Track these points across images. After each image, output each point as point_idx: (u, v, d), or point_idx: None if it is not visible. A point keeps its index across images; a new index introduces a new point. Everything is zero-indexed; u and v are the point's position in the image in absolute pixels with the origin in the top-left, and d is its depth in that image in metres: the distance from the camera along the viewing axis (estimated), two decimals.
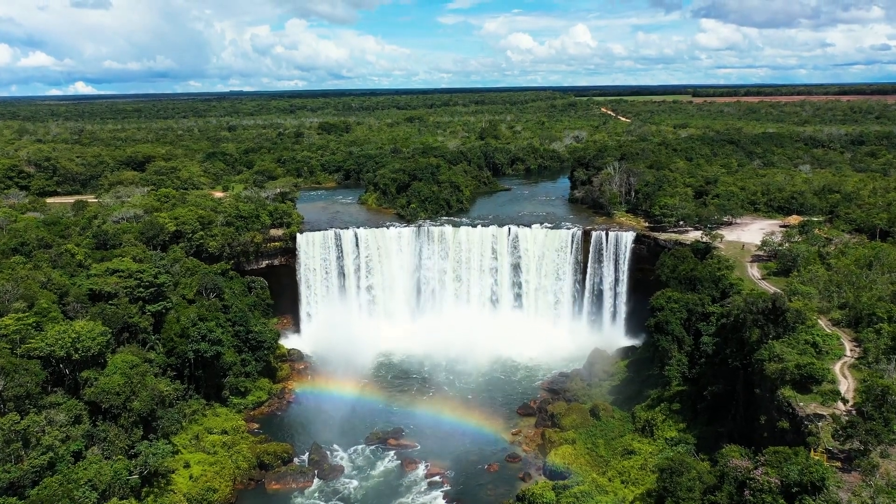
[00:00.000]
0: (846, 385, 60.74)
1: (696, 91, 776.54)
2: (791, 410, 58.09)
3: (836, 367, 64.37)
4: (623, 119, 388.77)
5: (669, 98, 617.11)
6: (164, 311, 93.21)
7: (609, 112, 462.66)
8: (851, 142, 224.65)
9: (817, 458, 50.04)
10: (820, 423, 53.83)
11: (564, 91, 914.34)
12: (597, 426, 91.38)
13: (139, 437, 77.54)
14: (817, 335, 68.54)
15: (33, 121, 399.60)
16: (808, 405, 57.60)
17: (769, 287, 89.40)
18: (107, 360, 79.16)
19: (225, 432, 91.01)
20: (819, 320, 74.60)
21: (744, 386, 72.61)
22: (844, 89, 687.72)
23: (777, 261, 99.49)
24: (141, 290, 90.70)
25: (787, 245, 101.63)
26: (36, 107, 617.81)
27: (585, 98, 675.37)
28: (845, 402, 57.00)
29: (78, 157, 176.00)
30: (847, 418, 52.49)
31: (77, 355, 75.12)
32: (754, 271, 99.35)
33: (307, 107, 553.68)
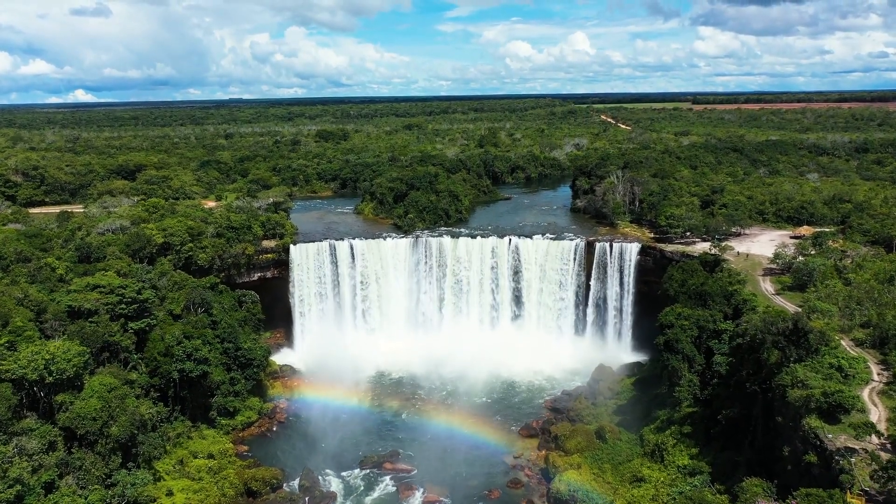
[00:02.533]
0: (877, 414, 56.15)
1: (696, 98, 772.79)
2: (819, 443, 53.42)
3: (865, 394, 59.78)
4: (623, 126, 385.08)
5: (669, 105, 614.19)
6: (147, 328, 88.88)
7: (609, 119, 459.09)
8: (856, 149, 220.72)
9: (854, 501, 45.41)
10: (853, 459, 49.17)
11: (564, 98, 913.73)
12: (603, 449, 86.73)
13: (118, 465, 73.27)
14: (842, 358, 64.00)
15: (30, 128, 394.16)
16: (837, 437, 52.93)
17: (785, 303, 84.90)
18: (84, 383, 74.73)
19: (211, 456, 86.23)
20: (842, 341, 70.09)
21: (763, 411, 67.98)
22: (844, 96, 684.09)
23: (791, 275, 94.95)
24: (123, 306, 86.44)
25: (801, 258, 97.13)
26: (34, 114, 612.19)
27: (585, 105, 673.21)
28: (879, 434, 52.33)
29: (67, 165, 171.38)
30: (886, 455, 47.83)
31: (51, 378, 70.77)
32: (767, 286, 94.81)
33: (305, 114, 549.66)
